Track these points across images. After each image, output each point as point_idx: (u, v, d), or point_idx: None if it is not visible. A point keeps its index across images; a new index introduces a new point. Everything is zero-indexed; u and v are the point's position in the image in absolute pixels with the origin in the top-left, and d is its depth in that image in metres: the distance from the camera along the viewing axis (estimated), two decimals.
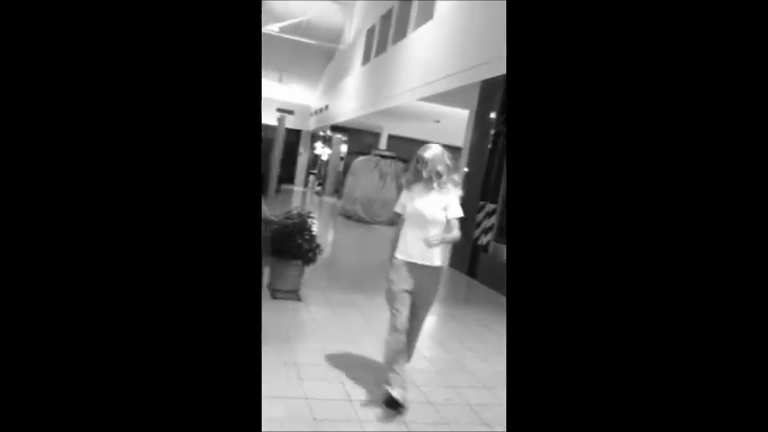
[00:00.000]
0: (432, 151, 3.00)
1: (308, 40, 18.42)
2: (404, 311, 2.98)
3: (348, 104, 15.22)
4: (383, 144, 16.99)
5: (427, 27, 9.67)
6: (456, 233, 3.02)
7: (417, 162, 3.02)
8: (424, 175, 2.99)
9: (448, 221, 3.00)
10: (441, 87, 8.43)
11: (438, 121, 11.63)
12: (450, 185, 3.03)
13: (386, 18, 12.68)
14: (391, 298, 3.03)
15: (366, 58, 14.19)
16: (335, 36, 18.68)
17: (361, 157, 12.95)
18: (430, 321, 5.26)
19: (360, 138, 18.27)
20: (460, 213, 3.03)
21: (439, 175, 2.99)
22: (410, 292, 3.00)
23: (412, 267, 3.00)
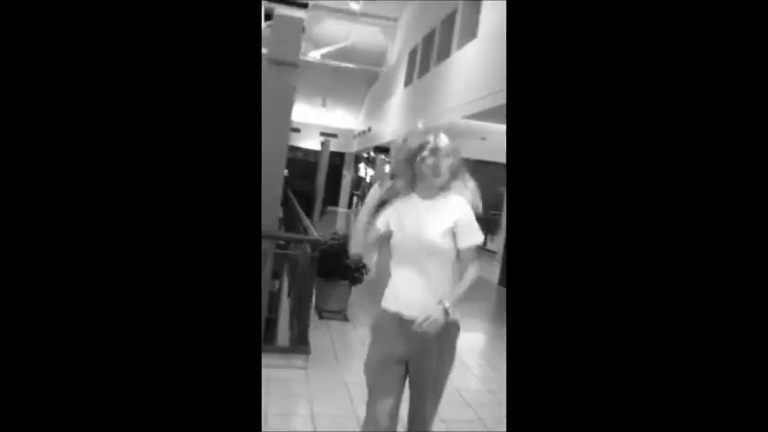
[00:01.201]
0: (443, 139, 1.92)
1: (350, 65, 18.72)
2: (389, 399, 1.91)
3: (391, 125, 15.32)
4: None
5: (471, 46, 9.68)
6: (471, 273, 1.90)
7: (420, 152, 1.90)
8: (429, 172, 1.89)
9: (459, 252, 1.91)
10: (486, 104, 8.38)
11: (484, 139, 11.56)
12: (455, 191, 1.96)
13: (428, 39, 12.77)
14: (370, 375, 1.96)
15: (409, 80, 14.28)
16: (378, 59, 18.91)
17: None
18: (477, 340, 5.16)
19: None
20: (480, 239, 1.92)
21: (447, 175, 1.92)
22: (404, 365, 1.94)
23: (406, 325, 1.87)
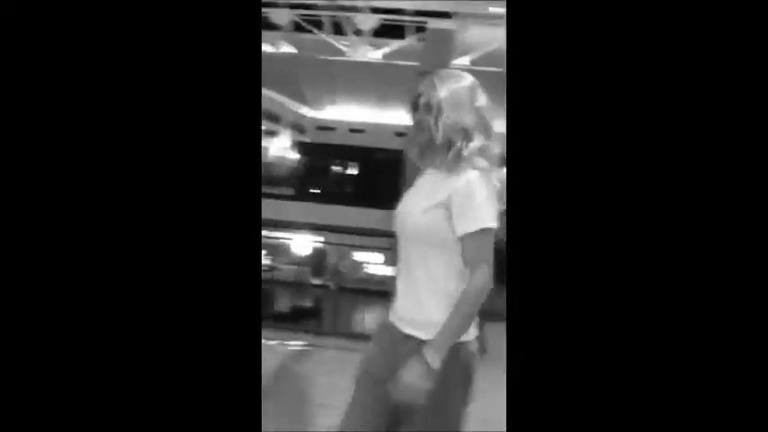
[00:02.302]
0: (438, 88, 1.35)
1: (496, 69, 18.61)
2: None
3: None
4: None
5: None
6: (473, 287, 1.29)
7: (414, 111, 1.39)
8: (428, 137, 1.37)
9: (462, 242, 1.31)
10: None
11: None
12: (471, 162, 1.35)
13: None
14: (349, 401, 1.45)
15: None
16: None
17: None
18: None
19: None
20: (485, 223, 1.31)
21: (451, 143, 1.34)
22: (387, 401, 1.37)
23: (396, 340, 1.40)
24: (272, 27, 13.75)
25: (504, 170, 1.33)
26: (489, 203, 1.32)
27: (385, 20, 12.38)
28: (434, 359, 1.26)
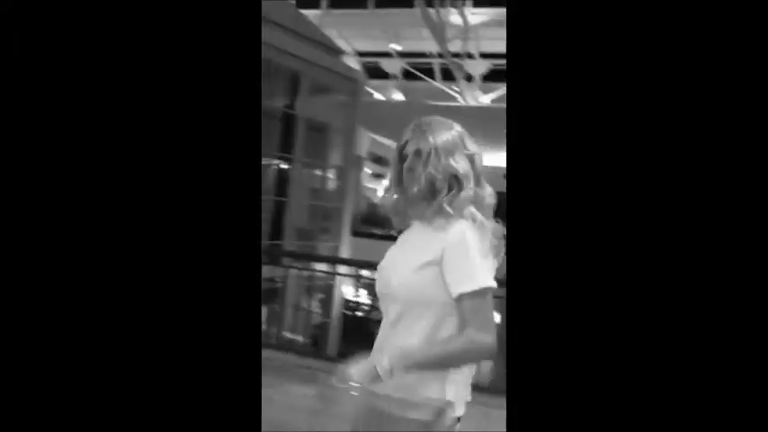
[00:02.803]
0: (441, 130, 1.25)
1: None
2: None
3: None
4: None
5: None
6: (466, 338, 1.16)
7: (401, 158, 1.27)
8: (415, 187, 1.22)
9: (459, 303, 1.17)
10: None
11: None
12: (463, 213, 1.21)
13: None
14: None
15: None
16: None
17: None
18: None
19: None
20: (481, 283, 1.15)
21: (435, 189, 1.21)
22: None
23: (373, 411, 1.23)
24: (384, 76, 14.32)
25: (497, 223, 1.25)
26: (486, 260, 1.20)
27: (495, 65, 12.49)
28: (385, 366, 1.16)
